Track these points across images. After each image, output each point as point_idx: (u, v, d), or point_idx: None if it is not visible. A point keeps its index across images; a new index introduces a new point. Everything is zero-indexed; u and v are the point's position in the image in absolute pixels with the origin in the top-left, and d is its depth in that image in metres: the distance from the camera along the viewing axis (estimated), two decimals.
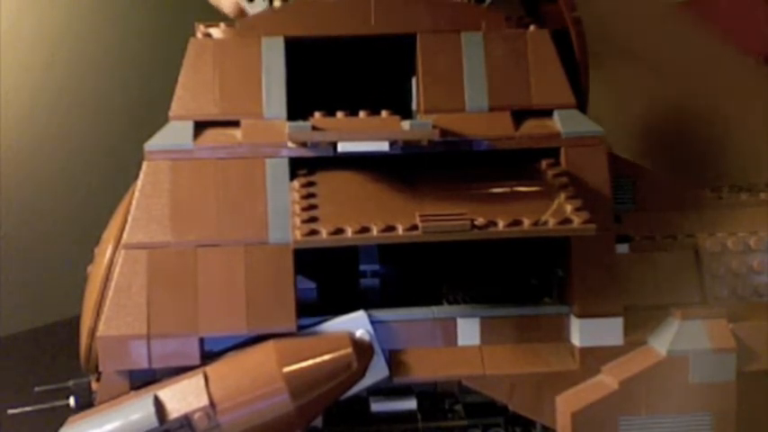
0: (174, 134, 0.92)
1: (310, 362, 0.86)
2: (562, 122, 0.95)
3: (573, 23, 1.03)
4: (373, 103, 0.95)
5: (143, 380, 0.90)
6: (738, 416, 0.92)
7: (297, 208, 0.87)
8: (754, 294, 0.98)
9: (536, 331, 0.95)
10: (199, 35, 0.98)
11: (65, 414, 0.91)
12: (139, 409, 0.84)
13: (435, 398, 0.99)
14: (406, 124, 0.90)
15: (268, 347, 0.88)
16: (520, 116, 0.95)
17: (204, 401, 0.84)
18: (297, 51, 0.96)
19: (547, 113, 0.96)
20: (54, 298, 2.37)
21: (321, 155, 0.91)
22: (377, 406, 0.96)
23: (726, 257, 0.98)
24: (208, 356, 0.90)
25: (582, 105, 1.01)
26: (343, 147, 0.89)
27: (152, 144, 0.92)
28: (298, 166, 0.92)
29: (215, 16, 1.02)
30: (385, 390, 0.95)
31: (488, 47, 0.96)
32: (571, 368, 0.93)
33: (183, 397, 0.85)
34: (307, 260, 0.93)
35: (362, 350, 0.89)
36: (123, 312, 0.88)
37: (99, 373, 0.91)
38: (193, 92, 0.94)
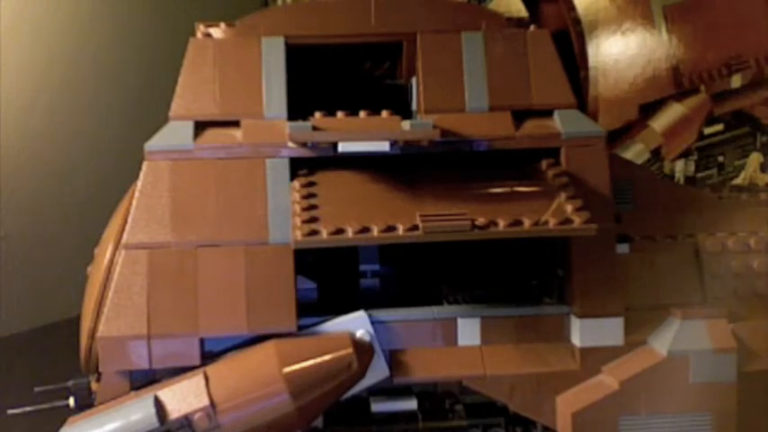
0: (174, 134, 0.92)
1: (311, 362, 0.86)
2: (562, 122, 0.95)
3: (573, 23, 1.03)
4: (373, 103, 0.95)
5: (143, 380, 0.89)
6: (739, 416, 0.92)
7: (297, 208, 0.87)
8: (755, 294, 0.98)
9: (536, 331, 0.94)
10: (199, 35, 0.98)
11: (65, 414, 0.91)
12: (140, 409, 0.84)
13: (436, 398, 0.99)
14: (406, 124, 0.90)
15: (268, 348, 0.88)
16: (520, 116, 0.95)
17: (205, 402, 0.84)
18: (297, 51, 0.96)
19: (547, 113, 0.96)
20: (54, 298, 2.37)
21: (321, 155, 0.91)
22: (377, 406, 0.96)
23: (726, 257, 0.98)
24: (208, 357, 0.90)
25: (582, 105, 1.01)
26: (343, 147, 0.89)
27: (152, 144, 0.91)
28: (298, 166, 0.92)
29: (215, 16, 1.02)
30: (385, 390, 0.95)
31: (488, 47, 0.96)
32: (571, 368, 0.93)
33: (183, 397, 0.85)
34: (307, 260, 0.93)
35: (363, 350, 0.89)
36: (123, 313, 0.88)
37: (99, 374, 0.91)
38: (193, 92, 0.93)
